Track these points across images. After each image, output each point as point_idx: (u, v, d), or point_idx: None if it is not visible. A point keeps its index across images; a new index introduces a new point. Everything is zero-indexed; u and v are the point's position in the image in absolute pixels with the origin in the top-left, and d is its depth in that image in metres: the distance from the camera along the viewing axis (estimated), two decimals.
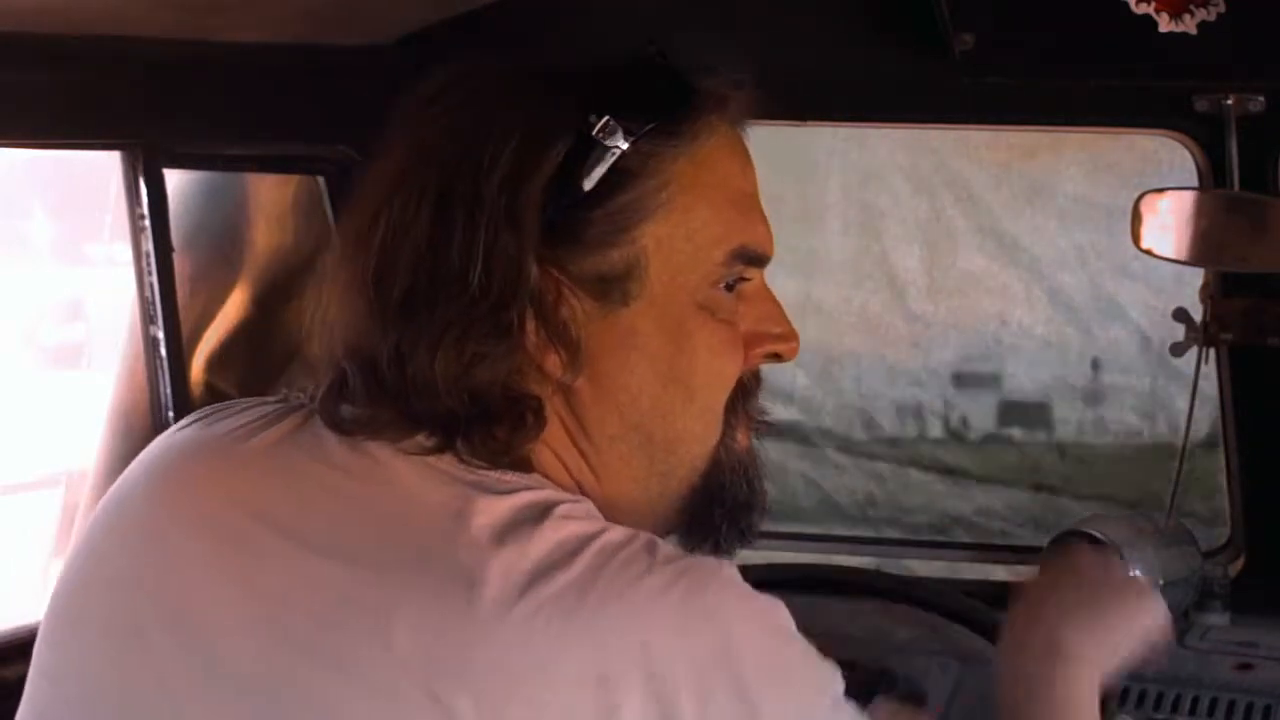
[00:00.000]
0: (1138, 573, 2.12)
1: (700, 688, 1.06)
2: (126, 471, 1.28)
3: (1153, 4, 1.81)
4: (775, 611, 1.13)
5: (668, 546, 1.11)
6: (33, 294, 4.65)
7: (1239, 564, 2.29)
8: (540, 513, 1.11)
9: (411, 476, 1.15)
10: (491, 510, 1.11)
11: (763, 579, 2.05)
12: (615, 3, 2.14)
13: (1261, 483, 2.25)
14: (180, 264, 2.24)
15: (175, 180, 2.25)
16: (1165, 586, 2.14)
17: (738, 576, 1.12)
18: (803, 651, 1.14)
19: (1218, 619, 2.21)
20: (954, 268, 4.09)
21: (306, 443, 1.21)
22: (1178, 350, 2.19)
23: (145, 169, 2.11)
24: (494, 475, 1.15)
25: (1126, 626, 1.48)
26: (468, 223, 1.14)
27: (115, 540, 1.23)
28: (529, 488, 1.14)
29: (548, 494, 1.14)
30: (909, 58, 2.04)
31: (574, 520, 1.11)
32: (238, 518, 1.18)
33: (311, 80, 2.19)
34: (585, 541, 1.09)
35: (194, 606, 1.15)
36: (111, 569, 1.21)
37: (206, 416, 1.29)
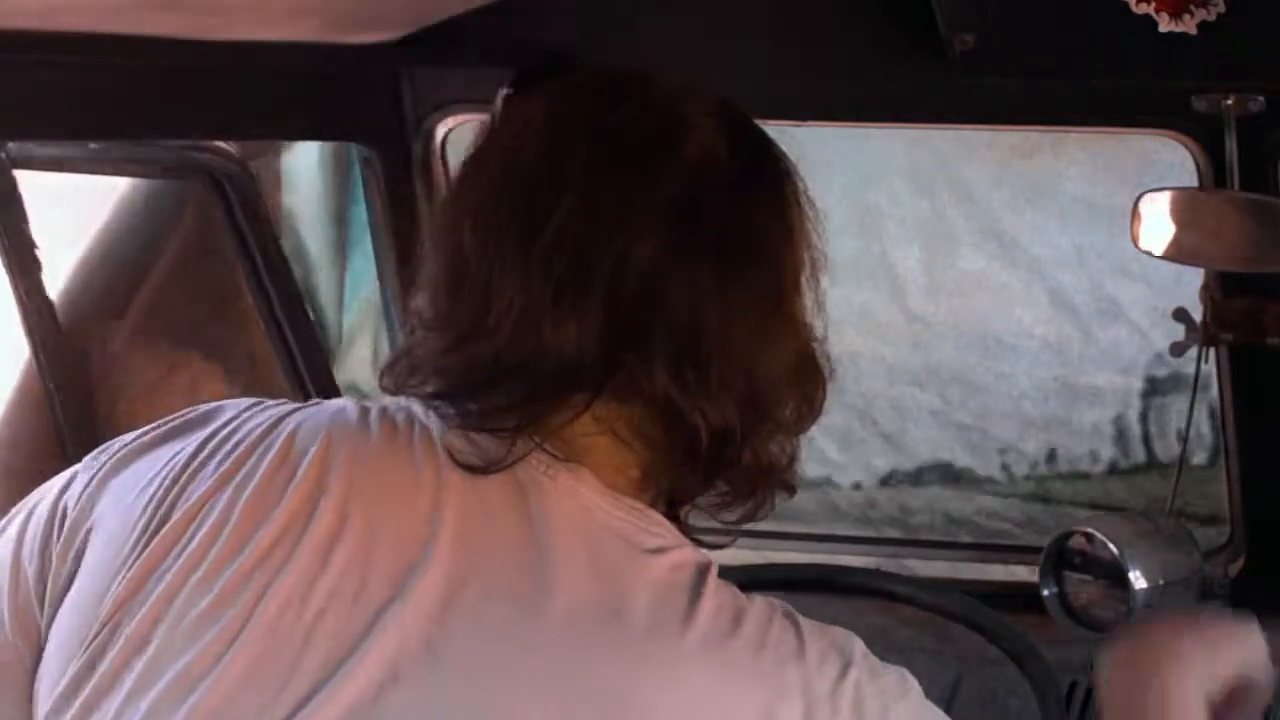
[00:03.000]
0: (1137, 573, 2.12)
1: None
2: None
3: (1153, 4, 1.81)
4: (905, 681, 1.23)
5: (797, 615, 1.21)
6: None
7: (1239, 564, 2.29)
8: (697, 577, 1.19)
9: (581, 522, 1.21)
10: (652, 573, 1.18)
11: (763, 579, 2.07)
12: (615, 4, 2.14)
13: (1261, 483, 2.25)
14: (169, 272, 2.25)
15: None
16: (1165, 586, 2.14)
17: (865, 649, 1.22)
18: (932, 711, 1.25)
19: None
20: (954, 268, 4.09)
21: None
22: (1178, 350, 2.19)
23: None
24: (643, 524, 1.22)
25: (1229, 641, 1.43)
26: None
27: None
28: (676, 546, 1.21)
29: (690, 554, 1.21)
30: (909, 58, 2.04)
31: (724, 588, 1.19)
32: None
33: (313, 80, 2.19)
34: (741, 611, 1.18)
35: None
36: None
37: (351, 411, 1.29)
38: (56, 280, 2.34)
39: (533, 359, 1.20)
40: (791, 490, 1.30)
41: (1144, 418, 4.09)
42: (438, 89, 2.38)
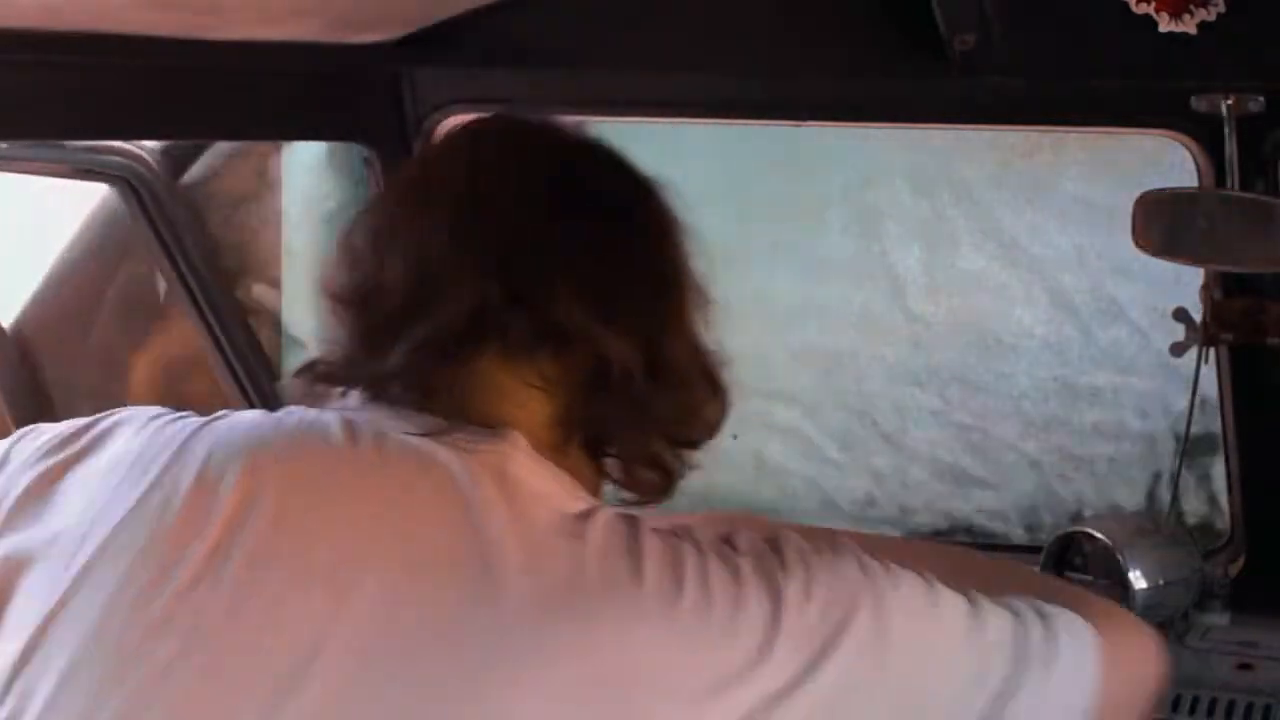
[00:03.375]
0: (1137, 573, 2.12)
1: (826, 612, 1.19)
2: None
3: (1153, 4, 1.81)
4: (789, 535, 1.24)
5: (719, 544, 1.22)
6: None
7: (1239, 564, 2.29)
8: (631, 532, 1.20)
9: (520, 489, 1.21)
10: (590, 540, 1.19)
11: None
12: (615, 4, 2.13)
13: (1261, 482, 2.25)
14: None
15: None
16: (1165, 586, 2.14)
17: (760, 542, 1.23)
18: (840, 551, 1.24)
19: (1218, 619, 2.21)
20: (954, 268, 4.08)
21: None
22: (1178, 350, 2.19)
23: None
24: (566, 489, 1.23)
25: None
26: None
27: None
28: (599, 506, 1.23)
29: (611, 511, 1.22)
30: (909, 58, 2.03)
31: (655, 536, 1.20)
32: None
33: (313, 80, 2.19)
34: (679, 558, 1.18)
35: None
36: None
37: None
38: None
39: (435, 309, 1.23)
40: (694, 446, 1.33)
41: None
42: (438, 89, 2.38)
